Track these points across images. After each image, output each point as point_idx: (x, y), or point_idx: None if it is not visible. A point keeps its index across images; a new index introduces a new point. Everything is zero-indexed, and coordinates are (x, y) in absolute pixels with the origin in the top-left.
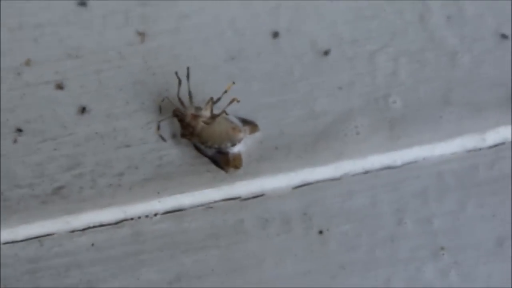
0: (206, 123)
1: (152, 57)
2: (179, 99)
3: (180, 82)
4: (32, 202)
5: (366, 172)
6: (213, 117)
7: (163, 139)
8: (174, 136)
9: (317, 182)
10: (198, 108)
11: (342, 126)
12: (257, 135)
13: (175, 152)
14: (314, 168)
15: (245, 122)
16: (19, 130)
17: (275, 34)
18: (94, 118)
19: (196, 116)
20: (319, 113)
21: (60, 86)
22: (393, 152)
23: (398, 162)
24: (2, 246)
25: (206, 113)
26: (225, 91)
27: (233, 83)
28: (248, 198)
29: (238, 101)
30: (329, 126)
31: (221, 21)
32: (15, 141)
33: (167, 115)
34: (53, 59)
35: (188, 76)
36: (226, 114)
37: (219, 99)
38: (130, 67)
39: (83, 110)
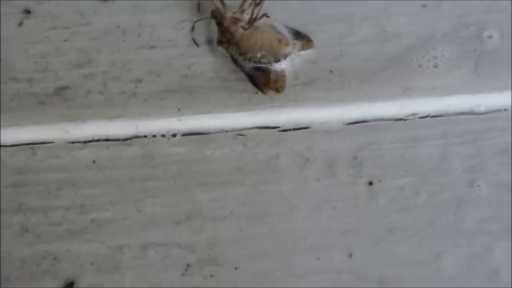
0: (244, 28)
1: None
2: None
3: None
4: (29, 100)
5: (439, 116)
6: (250, 21)
7: (196, 44)
8: (209, 42)
9: (376, 120)
10: (242, 11)
11: (418, 55)
12: (310, 53)
13: (208, 62)
14: (374, 102)
15: (297, 35)
16: (27, 12)
17: None
18: (118, 7)
19: (236, 20)
20: (392, 35)
21: None
22: (477, 94)
23: (482, 108)
24: None
25: (247, 17)
26: None
27: None
28: (289, 130)
29: (267, 17)
30: (402, 52)
31: None
32: (20, 24)
33: (205, 15)
34: None
35: None
36: (267, 16)
37: (261, 1)
38: None
39: None
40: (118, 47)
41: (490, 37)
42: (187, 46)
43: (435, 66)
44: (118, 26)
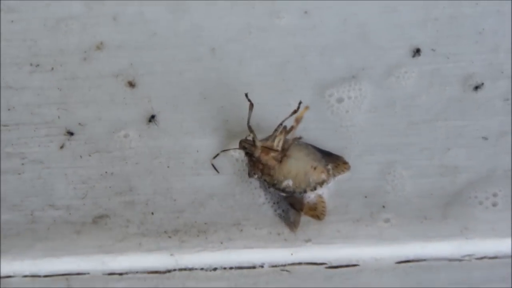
0: (276, 159)
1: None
2: (250, 127)
3: (251, 106)
4: (65, 229)
5: (497, 257)
6: (282, 150)
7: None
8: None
9: (430, 259)
10: (274, 138)
11: (477, 191)
12: (358, 185)
13: (254, 192)
14: (428, 241)
15: (330, 156)
16: (70, 133)
17: (416, 52)
18: (163, 131)
19: (267, 150)
20: (450, 169)
21: (131, 83)
22: None
23: None
24: (22, 279)
25: (279, 144)
26: (298, 118)
27: (307, 107)
28: (337, 267)
29: (300, 138)
30: (460, 188)
31: (349, 24)
32: (62, 146)
33: (233, 146)
34: (130, 45)
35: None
36: (300, 138)
37: (292, 128)
38: (224, 67)
39: (151, 118)
40: (161, 174)
41: None
42: (233, 174)
43: (494, 204)
44: (161, 152)
